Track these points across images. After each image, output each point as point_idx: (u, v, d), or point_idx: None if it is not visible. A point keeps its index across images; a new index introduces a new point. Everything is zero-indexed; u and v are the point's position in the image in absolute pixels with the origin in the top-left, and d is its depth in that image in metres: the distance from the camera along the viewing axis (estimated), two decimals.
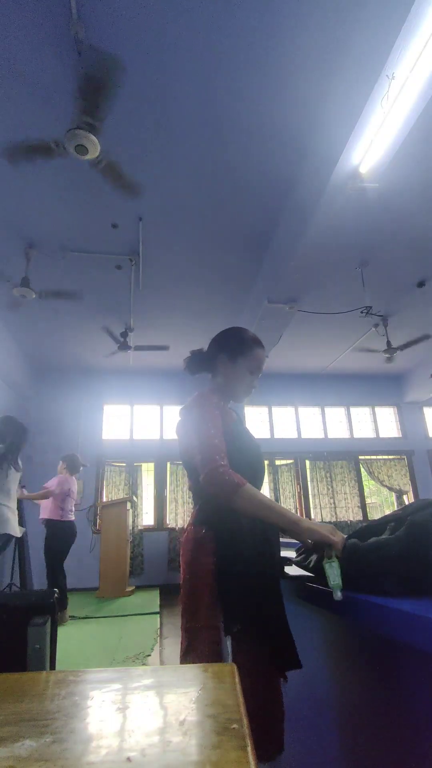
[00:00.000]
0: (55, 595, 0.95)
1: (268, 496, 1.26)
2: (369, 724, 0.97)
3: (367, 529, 1.05)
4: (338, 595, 0.89)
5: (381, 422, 8.23)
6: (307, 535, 1.04)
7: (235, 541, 1.14)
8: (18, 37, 2.46)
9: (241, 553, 1.13)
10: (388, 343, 5.56)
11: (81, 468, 4.84)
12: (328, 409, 8.11)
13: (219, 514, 1.18)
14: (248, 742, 0.40)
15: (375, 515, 7.83)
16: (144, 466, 7.22)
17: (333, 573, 0.92)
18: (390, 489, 7.73)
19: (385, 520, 1.03)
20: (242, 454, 1.23)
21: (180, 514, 6.94)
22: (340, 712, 1.12)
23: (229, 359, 1.37)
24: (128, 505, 6.10)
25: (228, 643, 1.13)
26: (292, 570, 1.20)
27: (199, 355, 1.43)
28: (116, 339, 5.33)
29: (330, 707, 1.16)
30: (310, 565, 1.11)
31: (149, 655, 3.10)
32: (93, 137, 2.66)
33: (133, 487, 6.98)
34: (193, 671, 0.65)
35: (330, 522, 7.03)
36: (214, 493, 1.10)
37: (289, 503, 7.30)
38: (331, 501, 7.42)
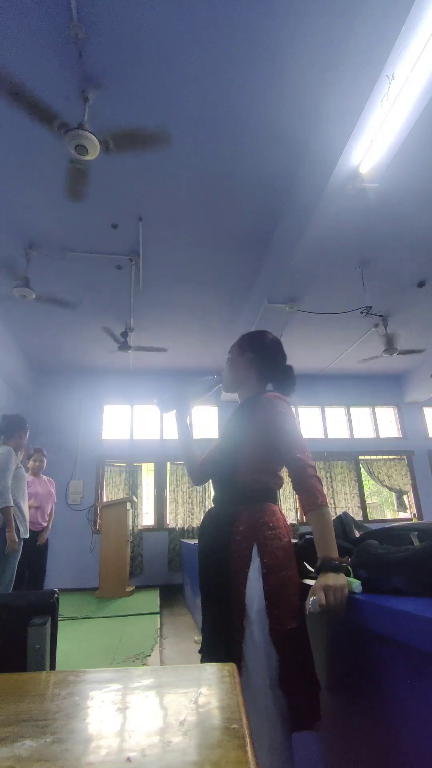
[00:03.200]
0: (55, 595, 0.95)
1: None
2: (363, 724, 0.97)
3: (383, 533, 1.07)
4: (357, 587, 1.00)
5: (381, 422, 8.23)
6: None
7: None
8: (18, 41, 2.46)
9: None
10: (388, 342, 5.56)
11: None
12: (328, 409, 8.11)
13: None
14: (248, 741, 0.40)
15: (375, 515, 7.83)
16: (144, 466, 7.22)
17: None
18: (390, 489, 7.73)
19: (408, 528, 1.05)
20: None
21: (180, 514, 6.94)
22: (334, 713, 1.12)
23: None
24: (128, 505, 6.10)
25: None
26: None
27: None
28: (117, 339, 5.34)
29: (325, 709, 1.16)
30: None
31: (149, 655, 3.09)
32: (93, 137, 2.64)
33: (133, 487, 6.98)
34: (193, 671, 0.65)
35: None
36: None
37: (289, 503, 7.29)
38: (332, 501, 7.42)
